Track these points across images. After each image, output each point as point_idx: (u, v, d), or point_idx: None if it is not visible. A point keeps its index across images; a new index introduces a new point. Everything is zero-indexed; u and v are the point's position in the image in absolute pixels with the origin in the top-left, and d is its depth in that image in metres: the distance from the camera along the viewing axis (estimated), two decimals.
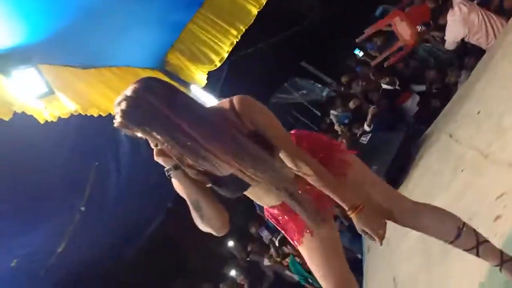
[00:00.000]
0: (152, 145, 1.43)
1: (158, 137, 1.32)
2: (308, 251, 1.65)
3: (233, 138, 1.35)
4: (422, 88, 5.62)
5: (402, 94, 5.75)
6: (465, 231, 1.58)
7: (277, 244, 6.59)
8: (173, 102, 1.33)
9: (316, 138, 1.68)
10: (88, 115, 3.40)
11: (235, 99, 1.45)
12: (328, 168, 1.52)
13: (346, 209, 1.49)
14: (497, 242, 1.72)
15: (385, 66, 5.85)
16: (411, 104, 5.57)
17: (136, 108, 1.30)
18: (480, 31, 4.44)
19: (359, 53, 8.48)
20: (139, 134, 1.36)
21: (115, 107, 1.35)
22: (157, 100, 1.31)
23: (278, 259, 6.85)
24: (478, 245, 1.56)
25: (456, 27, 4.59)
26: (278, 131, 1.47)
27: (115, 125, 1.35)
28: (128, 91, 1.33)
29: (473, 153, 2.77)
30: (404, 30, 5.35)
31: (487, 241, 1.59)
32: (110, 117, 3.93)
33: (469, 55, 4.99)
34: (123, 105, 1.31)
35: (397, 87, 5.86)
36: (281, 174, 1.40)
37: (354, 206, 1.47)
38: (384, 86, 5.94)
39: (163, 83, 1.41)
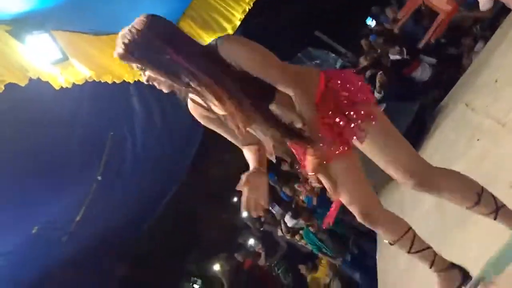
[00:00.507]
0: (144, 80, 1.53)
1: (154, 72, 1.44)
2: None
3: (217, 78, 1.41)
4: (433, 61, 5.49)
5: (411, 63, 5.64)
6: (484, 197, 1.59)
7: (289, 222, 6.59)
8: (174, 41, 1.43)
9: (346, 78, 1.64)
10: (102, 82, 3.40)
11: (218, 41, 1.50)
12: (349, 109, 1.58)
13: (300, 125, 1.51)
14: None
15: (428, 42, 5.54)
16: (421, 73, 5.46)
17: (138, 43, 1.41)
18: None
19: (371, 22, 8.30)
20: (136, 67, 1.48)
21: (119, 39, 1.45)
22: (159, 38, 1.42)
23: (288, 236, 6.91)
24: (497, 209, 1.59)
25: None
26: (260, 68, 1.48)
27: (115, 54, 1.48)
28: (134, 26, 1.44)
29: (490, 122, 2.73)
30: (439, 1, 5.09)
31: (504, 206, 1.61)
32: (125, 84, 3.95)
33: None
34: (127, 38, 1.42)
35: (406, 56, 5.76)
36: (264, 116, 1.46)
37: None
38: (392, 56, 5.84)
39: (166, 22, 1.50)
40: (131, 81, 3.83)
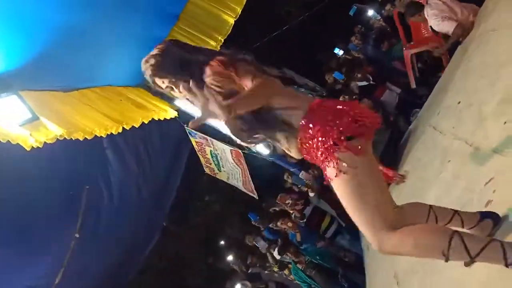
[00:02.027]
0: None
1: (183, 84, 1.77)
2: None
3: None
4: (397, 90, 5.67)
5: (378, 88, 5.81)
6: (452, 254, 1.46)
7: (277, 255, 6.55)
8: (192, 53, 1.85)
9: (333, 110, 1.63)
10: (74, 139, 3.38)
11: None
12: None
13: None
14: None
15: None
16: (389, 97, 5.62)
17: (165, 59, 1.83)
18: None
19: (339, 52, 8.58)
20: (165, 86, 1.86)
21: (143, 65, 1.90)
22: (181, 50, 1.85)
23: (276, 269, 6.84)
24: (472, 259, 1.45)
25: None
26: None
27: (147, 77, 1.90)
28: (155, 51, 1.88)
29: (458, 143, 2.81)
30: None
31: (480, 253, 1.43)
32: (96, 138, 3.93)
33: None
34: (152, 60, 1.87)
35: (371, 82, 5.94)
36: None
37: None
38: (359, 83, 6.03)
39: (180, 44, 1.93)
40: (104, 135, 3.82)
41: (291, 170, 6.50)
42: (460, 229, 1.57)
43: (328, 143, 1.56)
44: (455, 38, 4.40)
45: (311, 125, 1.60)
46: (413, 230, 1.52)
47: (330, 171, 1.58)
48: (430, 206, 1.75)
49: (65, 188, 4.64)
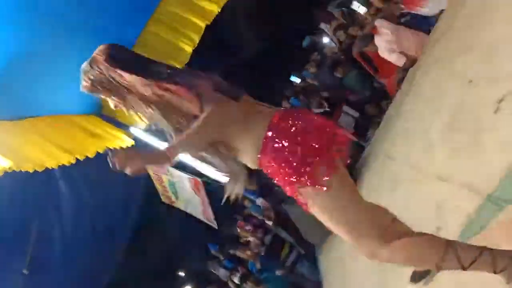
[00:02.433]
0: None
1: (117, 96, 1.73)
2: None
3: None
4: (356, 113, 5.83)
5: (335, 112, 5.95)
6: (445, 265, 1.45)
7: (237, 281, 6.47)
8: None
9: (304, 118, 1.57)
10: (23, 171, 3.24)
11: None
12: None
13: None
14: None
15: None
16: (345, 120, 5.75)
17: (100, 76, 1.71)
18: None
19: (296, 79, 8.76)
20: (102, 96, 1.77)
21: (82, 74, 1.78)
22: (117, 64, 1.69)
23: None
24: (464, 269, 1.44)
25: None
26: None
27: (82, 88, 1.81)
28: (93, 59, 1.73)
29: (407, 169, 2.91)
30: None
31: (473, 263, 1.42)
32: (48, 171, 3.78)
33: None
34: (90, 74, 1.75)
35: (326, 108, 6.09)
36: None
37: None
38: (315, 110, 6.16)
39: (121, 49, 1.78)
40: (55, 167, 3.69)
41: (250, 197, 6.49)
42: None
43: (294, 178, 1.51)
44: (402, 70, 4.63)
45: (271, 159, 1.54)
46: (406, 244, 1.47)
47: (302, 197, 1.53)
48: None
49: (11, 222, 4.41)
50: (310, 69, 7.87)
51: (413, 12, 5.21)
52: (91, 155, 4.46)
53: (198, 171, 5.81)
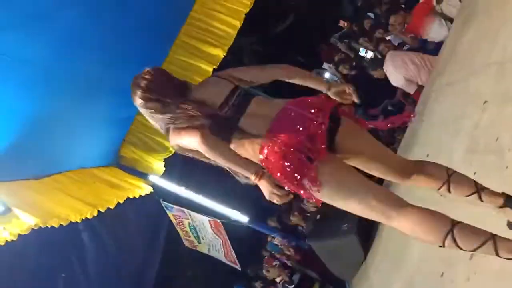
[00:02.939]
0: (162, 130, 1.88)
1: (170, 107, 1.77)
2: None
3: None
4: None
5: None
6: (447, 246, 1.52)
7: None
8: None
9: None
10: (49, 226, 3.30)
11: None
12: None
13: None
14: None
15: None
16: None
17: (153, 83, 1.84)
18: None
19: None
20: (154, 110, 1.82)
21: (133, 87, 1.87)
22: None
23: None
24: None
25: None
26: None
27: (136, 102, 1.89)
28: (144, 75, 1.87)
29: (433, 194, 2.89)
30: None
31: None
32: (71, 224, 3.83)
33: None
34: (143, 83, 1.84)
35: None
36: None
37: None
38: None
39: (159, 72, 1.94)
40: (79, 221, 3.74)
41: (272, 235, 6.43)
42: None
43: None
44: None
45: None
46: (410, 220, 1.58)
47: (305, 194, 1.68)
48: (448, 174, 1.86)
49: (38, 280, 4.43)
50: None
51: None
52: (112, 206, 4.52)
53: (218, 212, 5.81)
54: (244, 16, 5.36)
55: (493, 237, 1.48)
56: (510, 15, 2.71)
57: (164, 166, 5.57)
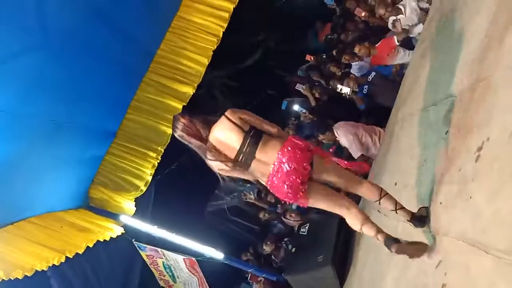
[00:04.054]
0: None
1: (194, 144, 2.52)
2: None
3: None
4: None
5: None
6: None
7: None
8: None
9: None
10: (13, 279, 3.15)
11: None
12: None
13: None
14: None
15: None
16: None
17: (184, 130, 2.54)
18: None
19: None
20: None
21: (174, 128, 2.58)
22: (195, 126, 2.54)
23: None
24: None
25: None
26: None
27: (177, 135, 2.59)
28: (179, 121, 2.56)
29: (402, 225, 2.91)
30: None
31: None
32: (38, 273, 3.67)
33: None
34: (179, 128, 2.55)
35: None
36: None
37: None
38: None
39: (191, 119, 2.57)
40: (45, 268, 3.59)
41: (248, 270, 6.32)
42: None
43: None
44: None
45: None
46: (352, 214, 2.62)
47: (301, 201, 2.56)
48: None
49: None
50: (289, 132, 8.02)
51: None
52: (81, 250, 4.37)
53: (193, 249, 5.70)
54: (213, 52, 5.42)
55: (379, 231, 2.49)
56: (466, 49, 2.82)
57: (135, 206, 5.46)
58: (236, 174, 2.51)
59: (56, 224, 4.24)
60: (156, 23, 5.15)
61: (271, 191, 2.53)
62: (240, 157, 2.42)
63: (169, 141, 5.52)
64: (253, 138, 2.44)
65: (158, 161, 5.58)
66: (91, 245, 4.44)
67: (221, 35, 5.30)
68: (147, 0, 4.74)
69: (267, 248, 6.31)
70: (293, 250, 5.11)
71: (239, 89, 9.63)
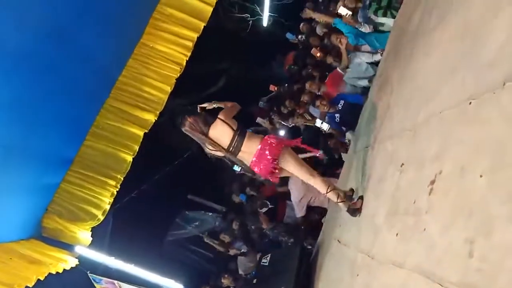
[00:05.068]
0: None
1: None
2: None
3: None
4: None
5: (279, 207, 6.04)
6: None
7: None
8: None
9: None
10: None
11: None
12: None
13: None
14: None
15: None
16: (291, 213, 5.83)
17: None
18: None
19: (237, 168, 8.83)
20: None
21: (182, 125, 3.40)
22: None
23: None
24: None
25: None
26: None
27: (183, 129, 3.40)
28: (187, 122, 3.38)
29: (361, 256, 2.93)
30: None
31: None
32: None
33: None
34: (186, 125, 3.37)
35: (270, 205, 6.16)
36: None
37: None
38: (261, 210, 6.19)
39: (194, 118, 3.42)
40: None
41: None
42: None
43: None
44: None
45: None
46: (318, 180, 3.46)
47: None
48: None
49: None
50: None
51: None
52: (31, 284, 4.16)
53: (151, 281, 5.53)
54: (176, 79, 5.41)
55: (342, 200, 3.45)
56: (421, 84, 2.94)
57: (92, 236, 5.27)
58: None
59: (4, 255, 4.02)
60: (119, 49, 5.11)
61: (254, 170, 3.42)
62: (231, 148, 3.37)
63: (129, 168, 5.41)
64: (240, 135, 3.37)
65: (117, 189, 5.45)
66: (42, 278, 4.22)
67: (184, 63, 5.31)
68: (110, 25, 4.71)
69: (225, 281, 6.22)
70: (254, 281, 5.04)
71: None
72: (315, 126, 5.33)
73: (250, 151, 3.35)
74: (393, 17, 4.88)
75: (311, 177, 3.41)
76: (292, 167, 3.40)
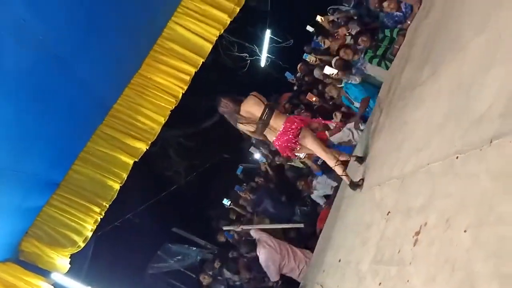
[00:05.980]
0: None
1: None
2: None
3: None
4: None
5: None
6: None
7: None
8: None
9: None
10: None
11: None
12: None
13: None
14: None
15: None
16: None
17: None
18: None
19: (227, 202, 8.79)
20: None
21: (218, 106, 3.91)
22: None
23: None
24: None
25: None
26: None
27: (220, 110, 3.92)
28: (222, 102, 3.89)
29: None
30: None
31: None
32: None
33: None
34: (221, 105, 3.88)
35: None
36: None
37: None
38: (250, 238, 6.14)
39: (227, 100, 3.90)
40: None
41: None
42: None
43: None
44: None
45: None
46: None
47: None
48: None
49: None
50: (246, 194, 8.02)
51: None
52: None
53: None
54: (170, 111, 5.44)
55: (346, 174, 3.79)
56: (410, 133, 2.99)
57: (70, 263, 5.14)
58: (255, 135, 3.93)
59: None
60: (116, 77, 5.16)
61: (276, 146, 3.85)
62: (264, 116, 3.73)
63: (115, 196, 5.35)
64: (270, 110, 3.74)
65: (102, 217, 5.36)
66: None
67: (180, 96, 5.36)
68: (109, 54, 4.77)
69: (205, 281, 6.10)
70: None
71: (194, 150, 9.64)
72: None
73: (275, 127, 3.73)
74: (387, 68, 5.01)
75: (323, 151, 3.77)
76: (310, 144, 3.75)
